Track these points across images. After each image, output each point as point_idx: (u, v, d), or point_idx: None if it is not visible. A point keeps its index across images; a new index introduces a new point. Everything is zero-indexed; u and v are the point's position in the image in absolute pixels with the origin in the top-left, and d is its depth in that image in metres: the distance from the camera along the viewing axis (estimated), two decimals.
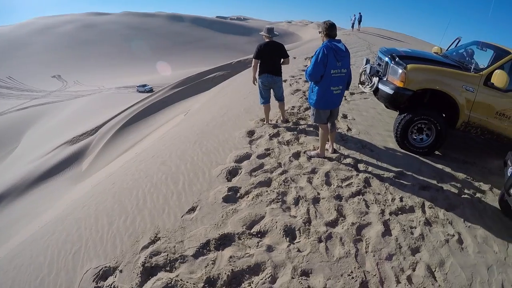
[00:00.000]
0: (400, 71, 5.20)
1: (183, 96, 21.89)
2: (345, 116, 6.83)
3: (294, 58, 14.82)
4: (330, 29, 4.24)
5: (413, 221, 3.95)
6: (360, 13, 32.02)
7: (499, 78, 4.83)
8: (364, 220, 3.76)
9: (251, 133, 5.63)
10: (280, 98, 5.87)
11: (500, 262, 3.65)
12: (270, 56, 5.49)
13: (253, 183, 4.14)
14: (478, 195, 4.91)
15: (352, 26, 32.24)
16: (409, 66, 5.16)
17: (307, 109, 6.92)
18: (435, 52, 6.97)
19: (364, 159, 5.10)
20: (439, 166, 5.41)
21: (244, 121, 6.24)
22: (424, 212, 4.18)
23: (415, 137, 5.57)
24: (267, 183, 4.21)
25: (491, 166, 6.04)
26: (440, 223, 4.03)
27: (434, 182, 4.91)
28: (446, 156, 5.86)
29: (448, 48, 7.18)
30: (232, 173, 4.38)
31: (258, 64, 5.56)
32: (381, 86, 5.54)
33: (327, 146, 5.04)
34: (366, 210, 3.93)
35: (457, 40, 7.13)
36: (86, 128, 17.99)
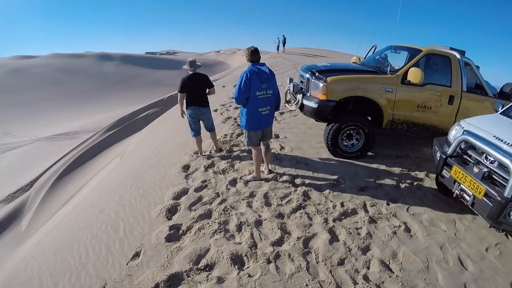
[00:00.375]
0: (321, 84, 5.42)
1: (118, 138, 21.05)
2: (277, 136, 6.92)
3: (224, 87, 14.97)
4: (252, 54, 4.41)
5: (357, 222, 4.06)
6: (283, 35, 33.32)
7: (414, 74, 5.25)
8: (309, 232, 3.79)
9: (186, 167, 5.52)
10: (210, 129, 5.84)
11: (451, 238, 3.90)
12: (195, 88, 5.50)
13: (193, 218, 4.03)
14: (416, 183, 5.22)
15: (278, 49, 33.25)
16: (328, 79, 5.39)
17: (239, 135, 6.94)
18: (354, 62, 7.36)
19: (300, 173, 5.19)
20: (374, 165, 5.66)
21: (178, 157, 6.10)
22: (366, 211, 4.32)
23: (346, 143, 5.80)
24: (207, 215, 4.12)
25: (423, 155, 6.44)
26: (384, 217, 4.20)
27: (372, 181, 5.13)
28: (380, 155, 6.15)
29: (366, 56, 7.64)
30: (171, 211, 4.24)
31: (185, 98, 5.56)
32: (305, 102, 5.70)
33: (262, 168, 5.10)
34: (309, 222, 3.97)
35: (374, 48, 7.60)
36: (21, 184, 16.70)
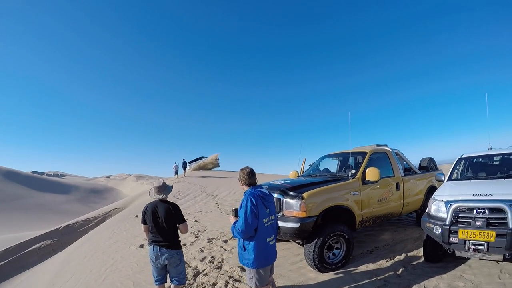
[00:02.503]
0: (297, 202, 5.21)
1: (4, 276, 15.65)
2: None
3: (136, 216, 13.36)
4: (250, 176, 3.79)
5: None
6: (184, 159, 32.96)
7: (372, 173, 5.87)
8: None
9: None
10: (175, 279, 4.28)
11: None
12: (158, 221, 4.21)
13: None
14: (407, 265, 5.33)
15: (176, 173, 32.05)
16: (305, 194, 5.24)
17: (196, 275, 5.69)
18: (298, 176, 7.69)
19: None
20: (362, 267, 5.44)
21: None
22: None
23: (328, 255, 5.46)
24: None
25: (386, 241, 6.72)
26: None
27: (375, 280, 4.88)
28: (357, 257, 6.02)
29: (302, 169, 8.09)
30: None
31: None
32: (282, 224, 5.25)
33: None
34: None
35: (304, 160, 8.23)
36: None
